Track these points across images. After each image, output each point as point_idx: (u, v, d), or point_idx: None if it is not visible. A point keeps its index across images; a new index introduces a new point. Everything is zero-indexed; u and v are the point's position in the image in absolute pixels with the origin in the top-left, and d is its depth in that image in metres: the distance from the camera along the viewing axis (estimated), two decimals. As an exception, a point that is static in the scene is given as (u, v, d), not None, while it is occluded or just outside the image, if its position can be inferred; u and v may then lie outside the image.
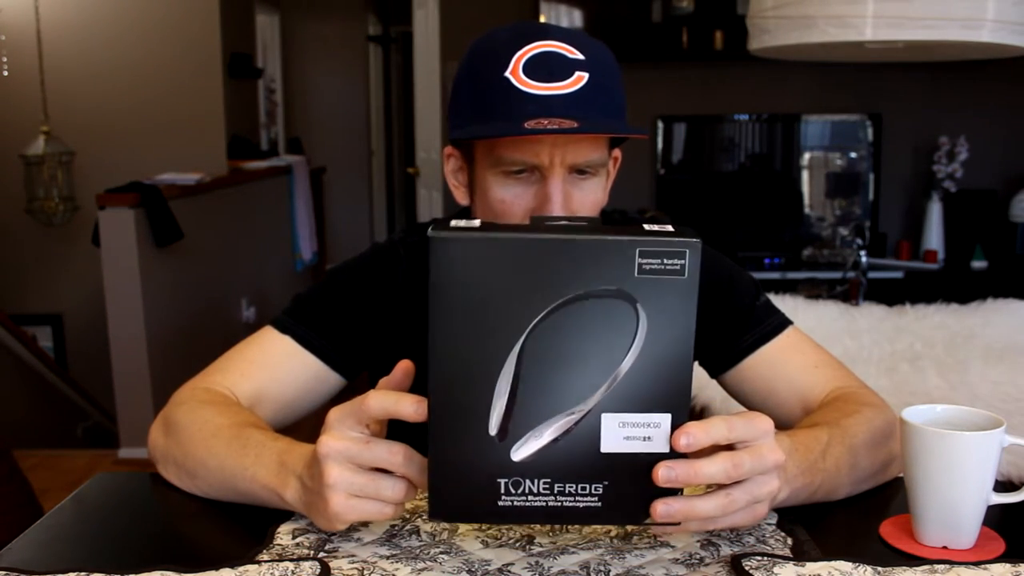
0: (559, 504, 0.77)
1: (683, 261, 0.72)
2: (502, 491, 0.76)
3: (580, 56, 0.97)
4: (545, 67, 0.96)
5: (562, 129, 0.92)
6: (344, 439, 0.77)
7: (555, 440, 0.74)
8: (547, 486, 0.76)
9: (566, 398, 0.74)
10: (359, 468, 0.78)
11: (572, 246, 0.71)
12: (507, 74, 0.96)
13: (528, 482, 0.75)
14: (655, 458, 0.75)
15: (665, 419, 0.75)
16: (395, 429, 1.25)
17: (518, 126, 0.93)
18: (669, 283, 0.72)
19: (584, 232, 0.72)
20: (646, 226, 0.75)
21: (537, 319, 0.72)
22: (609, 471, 0.76)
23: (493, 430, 0.74)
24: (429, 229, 0.71)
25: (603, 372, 0.73)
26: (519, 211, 1.00)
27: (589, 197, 1.01)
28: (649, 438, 0.75)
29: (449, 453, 0.75)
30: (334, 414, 0.79)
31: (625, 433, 0.75)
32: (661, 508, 0.75)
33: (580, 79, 0.96)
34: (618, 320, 0.73)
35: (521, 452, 0.75)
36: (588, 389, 0.74)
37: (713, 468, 0.75)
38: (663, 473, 0.74)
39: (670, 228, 0.74)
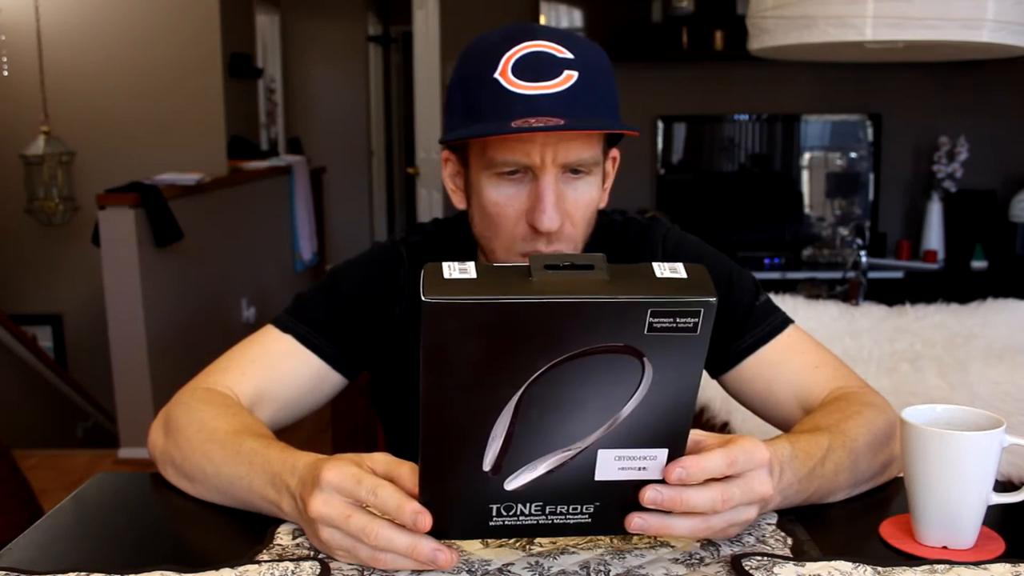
0: (549, 522, 0.77)
1: (696, 319, 0.66)
2: (494, 514, 0.76)
3: (569, 55, 0.97)
4: (533, 67, 0.96)
5: (547, 127, 0.91)
6: (342, 509, 0.76)
7: (549, 472, 0.73)
8: (539, 508, 0.76)
9: (563, 440, 0.72)
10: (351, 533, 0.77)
11: (578, 309, 0.65)
12: (496, 75, 0.96)
13: (520, 505, 0.75)
14: (647, 483, 0.75)
15: (662, 453, 0.74)
16: (395, 430, 1.25)
17: (505, 125, 0.93)
18: (680, 339, 0.67)
19: (591, 291, 0.65)
20: (656, 267, 0.68)
21: (537, 373, 0.68)
22: (600, 494, 0.75)
23: (487, 467, 0.72)
24: (421, 283, 0.64)
25: (603, 416, 0.71)
26: (513, 213, 1.00)
27: (583, 196, 1.01)
28: (644, 468, 0.75)
29: (440, 484, 0.74)
30: (334, 478, 0.77)
31: (620, 464, 0.74)
32: (636, 521, 0.76)
33: (569, 78, 0.96)
34: (622, 370, 0.68)
35: (514, 483, 0.74)
36: (586, 431, 0.72)
37: (702, 498, 0.76)
38: (650, 495, 0.75)
39: (682, 273, 0.68)
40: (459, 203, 1.09)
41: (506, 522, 0.76)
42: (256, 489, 0.87)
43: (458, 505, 0.75)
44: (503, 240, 1.02)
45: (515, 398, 0.69)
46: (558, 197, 0.98)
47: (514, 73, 0.96)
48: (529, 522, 0.76)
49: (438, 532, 0.75)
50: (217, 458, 0.92)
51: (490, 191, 1.00)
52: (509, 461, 0.72)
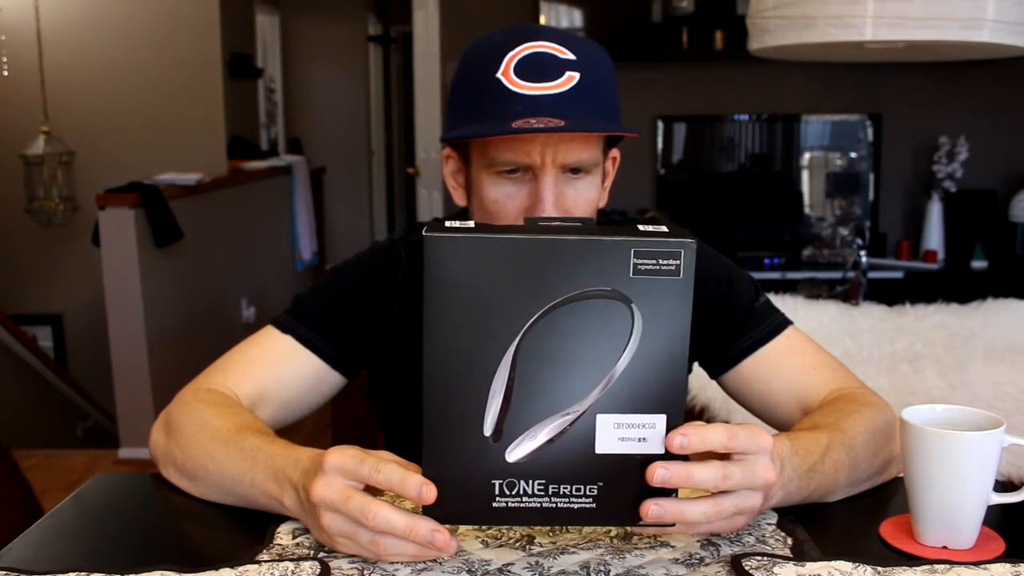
0: (553, 505, 0.77)
1: (678, 261, 0.72)
2: (496, 492, 0.76)
3: (571, 56, 0.98)
4: (535, 67, 0.97)
5: (548, 128, 0.92)
6: (343, 491, 0.77)
7: (550, 441, 0.74)
8: (541, 487, 0.76)
9: (561, 399, 0.74)
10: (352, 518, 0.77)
11: (566, 246, 0.71)
12: (498, 75, 0.97)
13: (523, 483, 0.75)
14: (649, 459, 0.75)
15: (660, 420, 0.75)
16: (394, 430, 1.25)
17: (506, 125, 0.93)
18: (664, 283, 0.72)
19: (578, 233, 0.72)
20: (641, 227, 0.75)
21: (532, 320, 0.72)
22: (603, 472, 0.76)
23: (488, 431, 0.74)
24: (424, 228, 0.71)
25: (598, 372, 0.73)
26: (512, 210, 1.01)
27: (583, 196, 1.01)
28: (644, 439, 0.75)
29: (443, 454, 0.75)
30: (337, 460, 0.78)
31: (620, 434, 0.75)
32: (653, 508, 0.76)
33: (571, 79, 0.97)
34: (613, 320, 0.72)
35: (515, 453, 0.74)
36: (583, 390, 0.74)
37: (705, 474, 0.76)
38: (659, 473, 0.74)
39: (665, 229, 0.74)
40: (460, 200, 1.10)
41: (509, 504, 0.76)
42: (258, 485, 0.87)
43: (460, 480, 0.75)
44: None
45: (512, 348, 0.72)
46: (557, 196, 0.99)
47: (516, 73, 0.97)
48: (532, 504, 0.76)
49: (440, 515, 0.76)
50: (219, 455, 0.92)
51: (490, 189, 1.01)
52: (509, 424, 0.74)
